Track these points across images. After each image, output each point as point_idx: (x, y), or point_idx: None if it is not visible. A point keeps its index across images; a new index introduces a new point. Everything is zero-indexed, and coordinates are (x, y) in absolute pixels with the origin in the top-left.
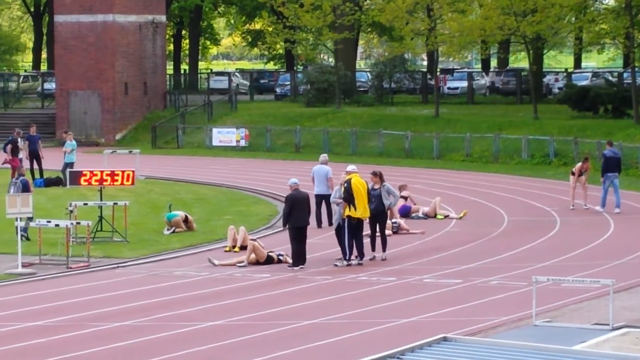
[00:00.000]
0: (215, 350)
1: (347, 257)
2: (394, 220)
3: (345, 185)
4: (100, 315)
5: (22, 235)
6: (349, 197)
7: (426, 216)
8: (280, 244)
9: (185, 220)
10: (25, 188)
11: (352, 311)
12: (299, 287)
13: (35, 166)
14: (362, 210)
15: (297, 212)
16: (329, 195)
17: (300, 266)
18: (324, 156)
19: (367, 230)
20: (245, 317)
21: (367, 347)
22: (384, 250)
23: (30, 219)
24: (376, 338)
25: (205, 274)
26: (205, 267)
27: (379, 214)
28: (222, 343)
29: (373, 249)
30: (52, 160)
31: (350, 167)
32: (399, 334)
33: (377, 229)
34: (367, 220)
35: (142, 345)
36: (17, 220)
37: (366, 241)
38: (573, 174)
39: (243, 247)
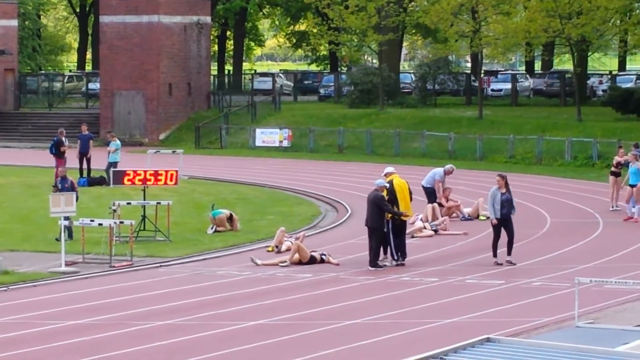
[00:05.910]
0: (257, 349)
1: (396, 257)
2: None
3: (388, 186)
4: (143, 314)
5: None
6: (392, 198)
7: (469, 217)
8: (322, 244)
9: (230, 218)
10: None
11: (394, 311)
12: (341, 287)
13: (85, 165)
14: (404, 210)
15: (367, 212)
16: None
17: (377, 266)
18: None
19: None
20: (287, 317)
21: (410, 348)
22: (509, 253)
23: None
24: (418, 338)
25: (247, 274)
26: (248, 267)
27: (508, 219)
28: (264, 342)
29: (495, 255)
30: (96, 160)
31: (389, 169)
32: (442, 334)
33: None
34: (493, 224)
35: (185, 345)
36: (60, 219)
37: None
38: (612, 173)
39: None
